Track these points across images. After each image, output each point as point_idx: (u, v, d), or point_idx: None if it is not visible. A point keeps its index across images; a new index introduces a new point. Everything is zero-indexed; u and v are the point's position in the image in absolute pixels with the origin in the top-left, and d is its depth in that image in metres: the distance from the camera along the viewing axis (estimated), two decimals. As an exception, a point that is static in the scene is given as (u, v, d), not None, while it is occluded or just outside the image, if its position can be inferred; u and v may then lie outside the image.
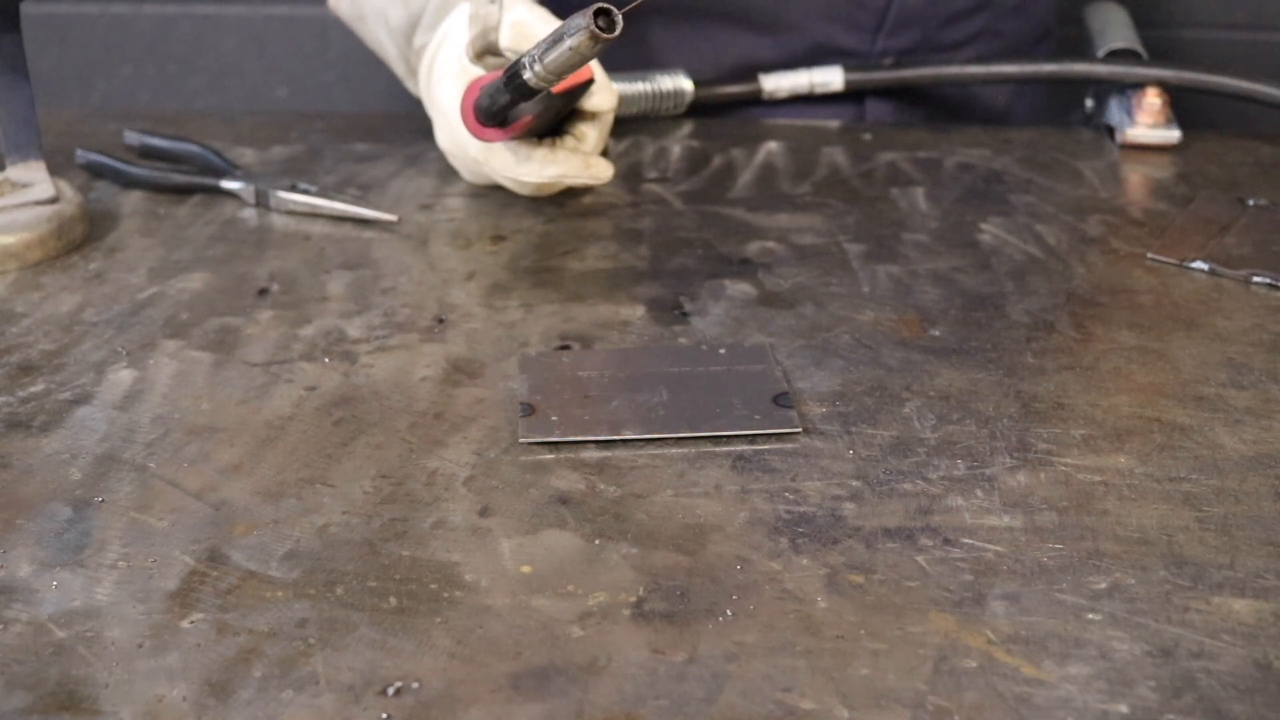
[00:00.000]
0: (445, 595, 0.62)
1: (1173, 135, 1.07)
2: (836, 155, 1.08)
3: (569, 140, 0.95)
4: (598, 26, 0.73)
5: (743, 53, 1.16)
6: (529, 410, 0.74)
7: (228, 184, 1.02)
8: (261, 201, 1.00)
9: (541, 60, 0.77)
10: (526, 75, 0.79)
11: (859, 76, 1.14)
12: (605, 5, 0.73)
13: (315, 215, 0.99)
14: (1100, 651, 0.58)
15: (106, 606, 0.62)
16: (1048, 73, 1.12)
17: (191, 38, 1.73)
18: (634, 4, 0.74)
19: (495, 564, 0.64)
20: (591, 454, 0.72)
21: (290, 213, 0.99)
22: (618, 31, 0.72)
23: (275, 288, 0.89)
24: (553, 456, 0.72)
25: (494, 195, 1.01)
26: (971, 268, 0.90)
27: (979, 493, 0.68)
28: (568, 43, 0.75)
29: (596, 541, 0.65)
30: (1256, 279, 0.87)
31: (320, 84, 1.71)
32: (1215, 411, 0.74)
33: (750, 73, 1.16)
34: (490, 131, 0.89)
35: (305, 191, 1.00)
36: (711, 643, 0.59)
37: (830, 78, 1.14)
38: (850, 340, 0.82)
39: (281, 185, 1.00)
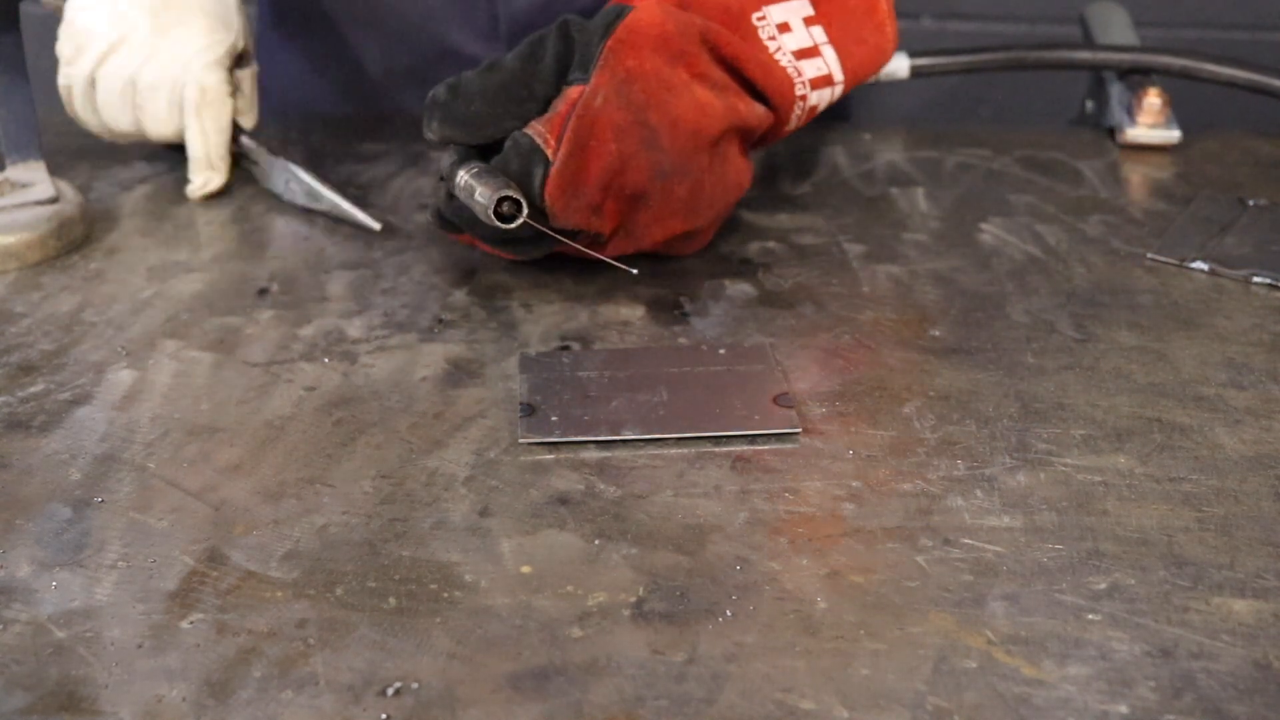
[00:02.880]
0: (445, 595, 0.62)
1: (1173, 135, 1.07)
2: (836, 155, 1.08)
3: None
4: (499, 212, 0.78)
5: (379, 57, 1.15)
6: (529, 410, 0.74)
7: (245, 141, 1.01)
8: (265, 167, 0.99)
9: (461, 187, 0.81)
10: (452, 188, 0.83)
11: (927, 62, 1.07)
12: (515, 197, 0.78)
13: (314, 215, 0.99)
14: (1100, 652, 0.58)
15: (106, 606, 0.62)
16: (1097, 58, 1.10)
17: (191, 38, 1.72)
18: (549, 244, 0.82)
19: (495, 564, 0.64)
20: (591, 454, 0.72)
21: (289, 204, 0.99)
22: (515, 225, 0.78)
23: (275, 288, 0.89)
24: (553, 457, 0.72)
25: (494, 195, 1.01)
26: (971, 268, 0.90)
27: (979, 493, 0.68)
28: (478, 199, 0.79)
29: (596, 541, 0.65)
30: (1256, 279, 0.87)
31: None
32: (1215, 411, 0.74)
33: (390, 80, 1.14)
34: None
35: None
36: (711, 643, 0.59)
37: (895, 65, 1.06)
38: (850, 340, 0.82)
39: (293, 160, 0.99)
